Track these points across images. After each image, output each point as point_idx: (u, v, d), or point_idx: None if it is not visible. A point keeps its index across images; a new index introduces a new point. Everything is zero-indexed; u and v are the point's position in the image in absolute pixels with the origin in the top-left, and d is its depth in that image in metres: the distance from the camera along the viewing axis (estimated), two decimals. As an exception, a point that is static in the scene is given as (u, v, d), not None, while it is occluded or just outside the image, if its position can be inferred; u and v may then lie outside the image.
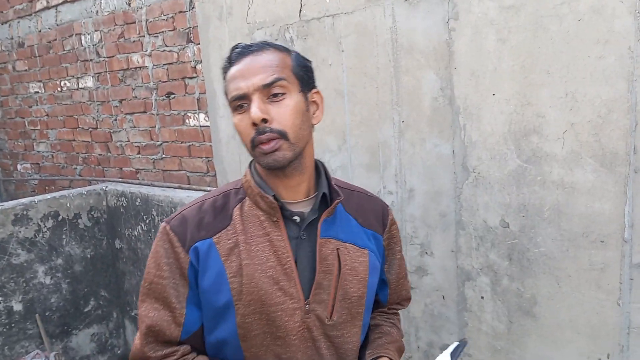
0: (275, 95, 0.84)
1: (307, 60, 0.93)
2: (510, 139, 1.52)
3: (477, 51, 1.54)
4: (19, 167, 4.11)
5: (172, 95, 2.73)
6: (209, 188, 2.58)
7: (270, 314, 0.88)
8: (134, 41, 2.87)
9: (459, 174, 1.65)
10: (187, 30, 2.56)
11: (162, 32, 2.69)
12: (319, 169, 0.98)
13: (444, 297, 1.77)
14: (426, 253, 1.79)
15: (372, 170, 1.87)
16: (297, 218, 0.92)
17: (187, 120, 2.70)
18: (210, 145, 2.57)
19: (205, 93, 2.51)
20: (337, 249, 0.93)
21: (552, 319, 1.53)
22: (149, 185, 2.87)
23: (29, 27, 3.61)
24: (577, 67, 1.37)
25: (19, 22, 3.70)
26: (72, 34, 3.25)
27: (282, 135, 0.84)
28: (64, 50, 3.35)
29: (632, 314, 1.38)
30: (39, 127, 3.78)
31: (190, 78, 2.61)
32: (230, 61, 0.88)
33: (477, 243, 1.65)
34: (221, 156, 2.47)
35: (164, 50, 2.71)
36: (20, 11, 3.64)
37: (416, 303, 1.84)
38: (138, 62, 2.88)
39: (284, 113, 0.84)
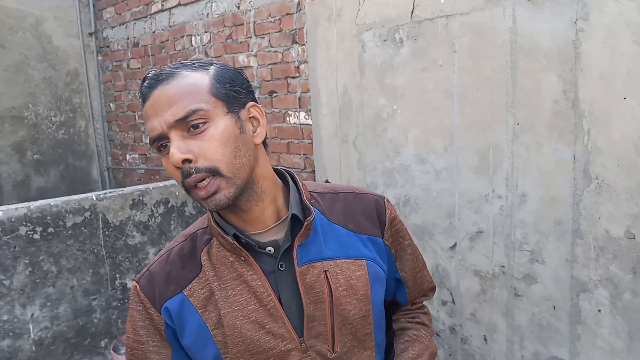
0: (196, 127, 0.72)
1: (234, 71, 0.79)
2: (642, 146, 1.43)
3: (608, 53, 1.47)
4: (127, 157, 4.48)
5: (275, 94, 2.85)
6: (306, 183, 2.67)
7: None
8: (241, 42, 3.03)
9: (580, 180, 1.58)
10: (292, 32, 2.66)
11: (269, 33, 2.81)
12: (288, 183, 0.85)
13: (554, 308, 1.71)
14: (537, 261, 1.73)
15: (480, 173, 1.84)
16: (270, 249, 0.80)
17: (287, 118, 2.80)
18: (309, 143, 2.66)
19: (307, 92, 2.60)
20: (325, 271, 0.81)
21: (682, 340, 1.43)
22: (249, 179, 3.01)
23: (144, 28, 3.92)
24: None
25: (134, 23, 4.04)
26: (184, 35, 3.49)
27: (214, 172, 0.72)
28: (175, 50, 3.61)
29: None
30: (147, 121, 4.10)
31: (293, 77, 2.71)
32: (143, 97, 0.75)
33: (596, 254, 1.58)
34: (321, 153, 2.54)
35: (269, 51, 2.84)
36: (136, 13, 3.97)
37: (523, 311, 1.79)
38: (244, 62, 3.04)
39: (209, 146, 0.72)
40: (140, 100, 0.77)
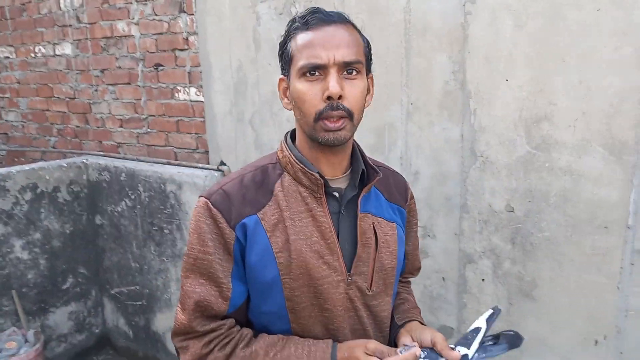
0: (350, 72, 0.85)
1: (369, 43, 0.93)
2: (520, 125, 1.54)
3: (492, 36, 1.54)
4: (-16, 136, 3.87)
5: (161, 67, 2.62)
6: (199, 165, 2.52)
7: (318, 287, 0.90)
8: (119, 8, 2.73)
9: (467, 158, 1.67)
10: (179, 0, 2.45)
11: (152, 0, 2.57)
12: (354, 146, 1.00)
13: (444, 279, 1.80)
14: (428, 235, 1.81)
15: (376, 151, 1.86)
16: (336, 194, 0.94)
17: (176, 94, 2.60)
18: (201, 121, 2.50)
19: (198, 66, 2.43)
20: (373, 223, 0.96)
21: (551, 301, 1.58)
22: (135, 160, 2.76)
23: (-1, -14, 3.37)
24: (593, 56, 1.39)
25: (-14, -20, 3.45)
26: (50, -3, 3.06)
27: (350, 115, 0.85)
28: (40, 14, 3.16)
29: (630, 297, 1.45)
30: (8, 95, 3.56)
31: (182, 50, 2.51)
32: (308, 24, 0.86)
33: (480, 227, 1.68)
34: (215, 132, 2.40)
35: (153, 19, 2.59)
36: (-12, -31, 3.39)
37: (415, 285, 1.86)
38: (124, 31, 2.74)
39: (355, 93, 0.85)
40: (301, 24, 0.86)
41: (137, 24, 2.67)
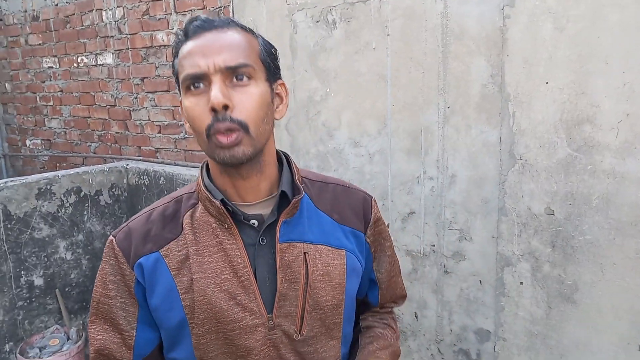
0: (240, 79, 0.73)
1: (273, 47, 0.82)
2: (561, 128, 1.54)
3: (532, 39, 1.55)
4: (27, 142, 4.05)
5: (199, 75, 2.70)
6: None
7: (228, 333, 0.79)
8: (159, 19, 2.83)
9: (505, 161, 1.67)
10: (217, 10, 2.53)
11: (191, 10, 2.66)
12: (282, 163, 0.87)
13: (481, 282, 1.80)
14: (465, 238, 1.81)
15: (412, 155, 1.88)
16: (254, 222, 0.80)
17: (213, 101, 2.68)
18: (237, 126, 2.56)
19: (234, 73, 2.50)
20: (305, 253, 0.82)
21: (593, 305, 1.56)
22: (172, 165, 2.85)
23: (45, 0, 3.54)
24: (636, 57, 1.39)
25: (33, -6, 3.63)
26: (93, 9, 3.20)
27: (243, 127, 0.73)
28: (83, 26, 3.30)
29: (677, 301, 1.42)
30: (51, 103, 3.72)
31: (219, 58, 2.58)
32: (187, 34, 0.76)
33: (519, 230, 1.68)
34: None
35: (192, 29, 2.68)
36: (35, -17, 3.57)
37: (452, 287, 1.87)
38: (163, 41, 2.85)
39: (247, 101, 0.73)
40: (181, 37, 0.77)
41: (175, 34, 2.76)
